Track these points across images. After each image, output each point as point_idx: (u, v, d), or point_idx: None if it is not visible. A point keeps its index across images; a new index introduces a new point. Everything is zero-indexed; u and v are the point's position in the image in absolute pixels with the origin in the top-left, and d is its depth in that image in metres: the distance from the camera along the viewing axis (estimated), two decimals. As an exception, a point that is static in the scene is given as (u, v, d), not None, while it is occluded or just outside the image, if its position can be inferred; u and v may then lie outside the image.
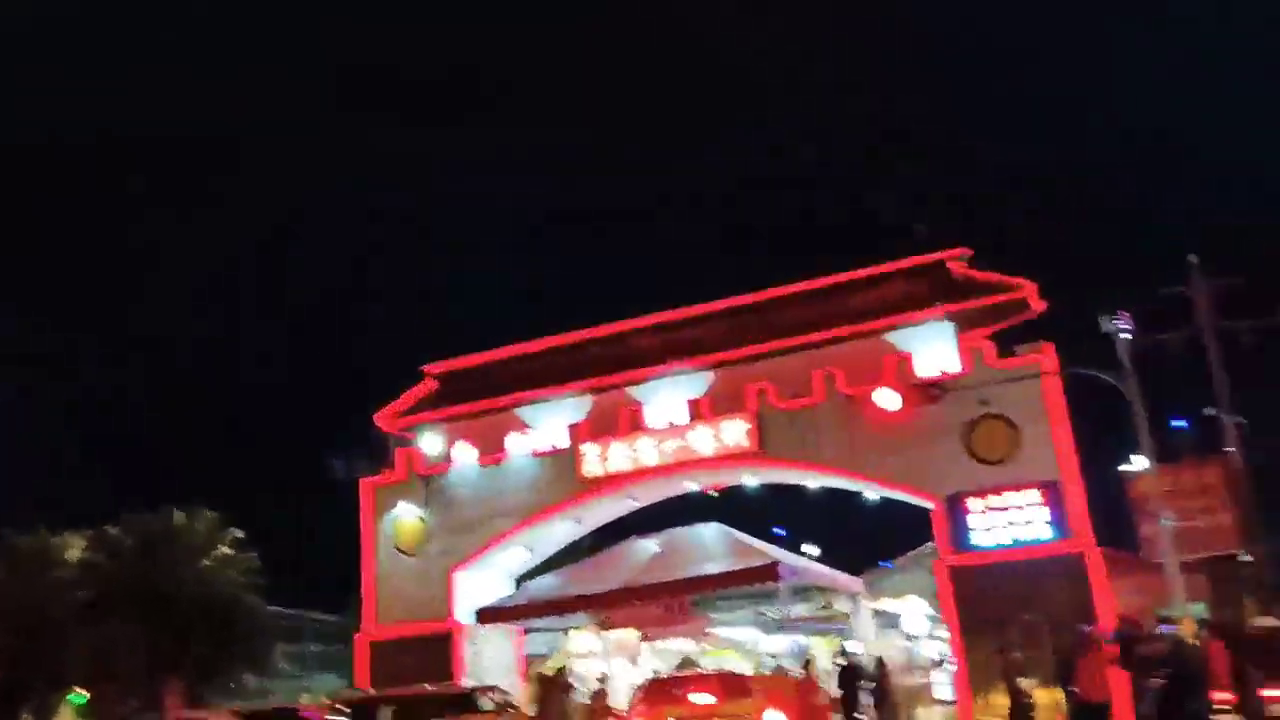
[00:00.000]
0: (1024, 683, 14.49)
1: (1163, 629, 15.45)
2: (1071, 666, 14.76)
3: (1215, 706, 12.90)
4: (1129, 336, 18.37)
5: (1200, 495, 20.24)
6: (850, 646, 23.03)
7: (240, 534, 31.34)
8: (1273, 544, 21.68)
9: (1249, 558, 19.71)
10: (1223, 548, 20.72)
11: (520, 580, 25.92)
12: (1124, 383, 17.66)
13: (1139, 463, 19.70)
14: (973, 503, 20.54)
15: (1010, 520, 20.24)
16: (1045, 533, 19.95)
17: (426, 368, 27.36)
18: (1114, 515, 21.96)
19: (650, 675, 19.27)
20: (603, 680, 21.06)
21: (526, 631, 25.20)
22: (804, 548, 30.86)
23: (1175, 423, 24.72)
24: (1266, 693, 13.21)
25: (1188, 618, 16.23)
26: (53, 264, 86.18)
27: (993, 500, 20.40)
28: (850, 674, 18.91)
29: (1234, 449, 19.64)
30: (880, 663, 18.96)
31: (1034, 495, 20.17)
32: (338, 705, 18.04)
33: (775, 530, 30.85)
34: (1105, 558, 20.49)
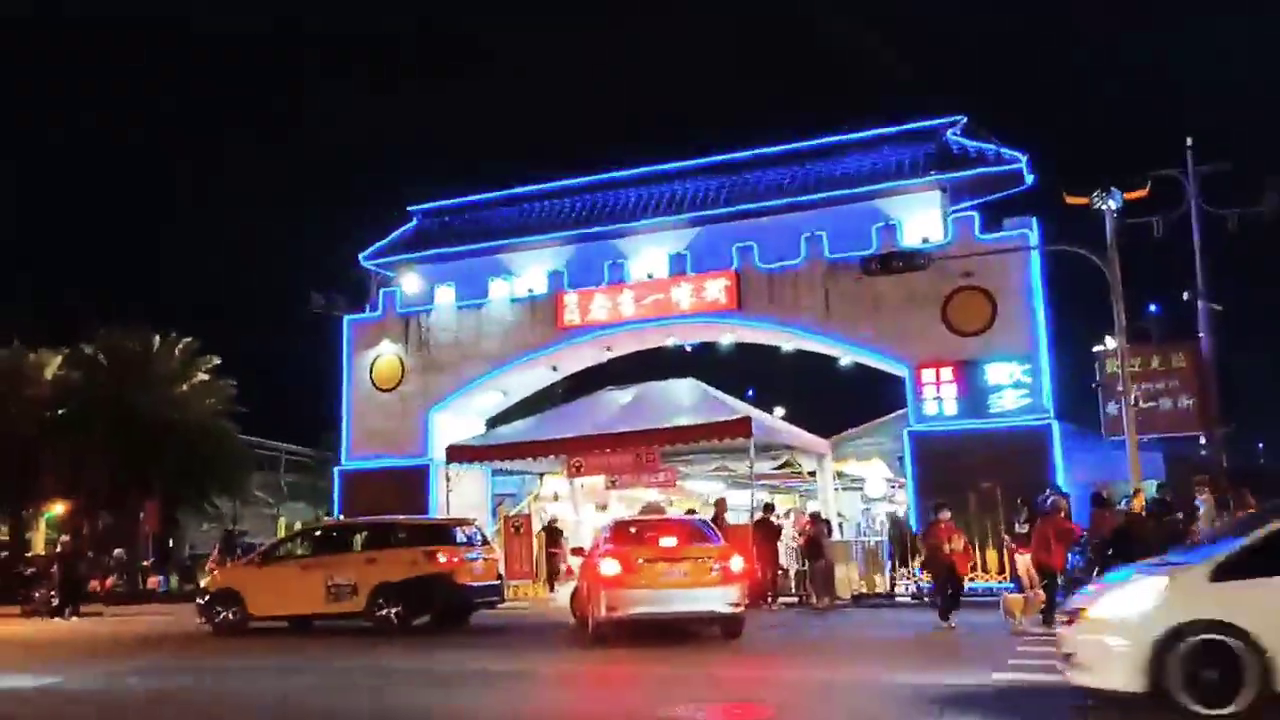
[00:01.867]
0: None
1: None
2: (1027, 531, 15.28)
3: None
4: (1117, 216, 18.27)
5: (1167, 378, 20.60)
6: (812, 506, 23.73)
7: (217, 361, 31.41)
8: (1235, 429, 22.29)
9: (1203, 440, 20.23)
10: (1183, 430, 21.22)
11: (492, 422, 26.35)
12: (1107, 262, 17.65)
13: (1111, 343, 19.93)
14: (944, 372, 20.87)
15: (979, 391, 20.62)
16: (1011, 405, 20.37)
17: (412, 207, 27.06)
18: (1082, 392, 22.43)
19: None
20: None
21: (497, 473, 25.75)
22: (775, 409, 31.44)
23: (1151, 307, 25.07)
24: None
25: (1139, 494, 16.75)
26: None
27: (963, 370, 20.71)
28: (768, 528, 19.64)
29: (1205, 335, 19.83)
30: (815, 519, 19.62)
31: (1004, 368, 20.52)
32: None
33: (747, 391, 31.33)
34: (1068, 433, 21.06)
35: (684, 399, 22.65)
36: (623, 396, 23.57)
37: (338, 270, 28.52)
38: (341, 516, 23.61)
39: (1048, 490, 16.41)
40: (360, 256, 26.43)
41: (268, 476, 39.52)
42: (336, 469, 25.81)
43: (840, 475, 24.84)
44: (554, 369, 26.04)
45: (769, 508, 21.04)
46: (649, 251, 24.10)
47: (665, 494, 25.76)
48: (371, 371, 25.65)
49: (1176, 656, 6.92)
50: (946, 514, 16.34)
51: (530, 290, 24.70)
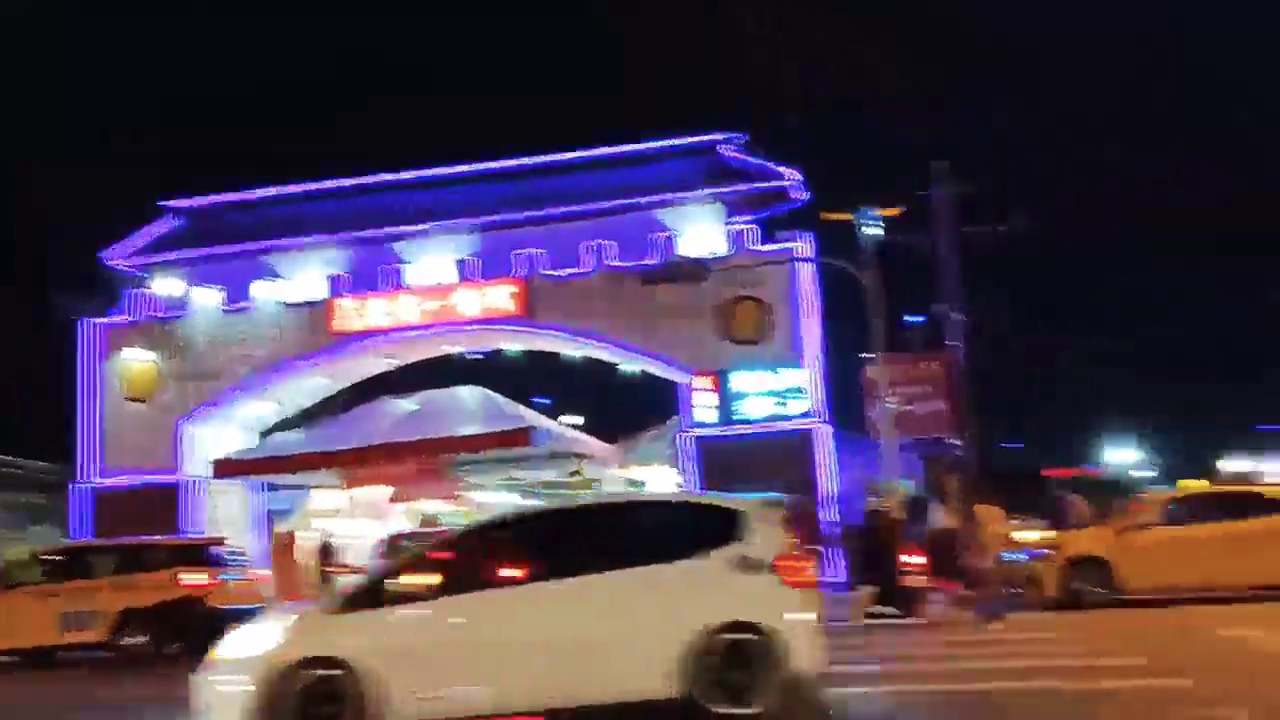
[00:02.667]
0: None
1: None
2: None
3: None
4: (876, 232, 19.38)
5: (922, 384, 22.02)
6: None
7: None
8: (984, 430, 24.08)
9: (957, 442, 21.71)
10: (936, 432, 22.73)
11: (265, 434, 24.90)
12: (864, 274, 18.65)
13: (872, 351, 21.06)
14: (721, 378, 21.49)
15: (754, 397, 21.36)
16: (784, 410, 21.22)
17: (166, 203, 25.17)
18: (852, 397, 23.61)
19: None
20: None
21: (272, 488, 24.35)
22: (564, 417, 31.41)
23: (912, 318, 26.74)
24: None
25: (896, 491, 17.78)
26: None
27: (739, 377, 21.41)
28: None
29: (956, 344, 21.28)
30: None
31: (778, 375, 21.34)
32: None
33: (538, 399, 31.17)
34: (837, 436, 22.16)
35: (469, 407, 22.23)
36: (405, 405, 22.87)
37: (86, 269, 26.10)
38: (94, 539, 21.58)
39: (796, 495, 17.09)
40: (105, 254, 24.32)
41: (8, 497, 35.69)
42: (75, 487, 23.55)
43: (629, 482, 25.06)
44: (331, 377, 24.91)
45: None
46: (434, 257, 23.49)
47: (453, 504, 25.21)
48: (122, 380, 23.64)
49: (290, 693, 6.84)
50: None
51: (303, 294, 23.50)
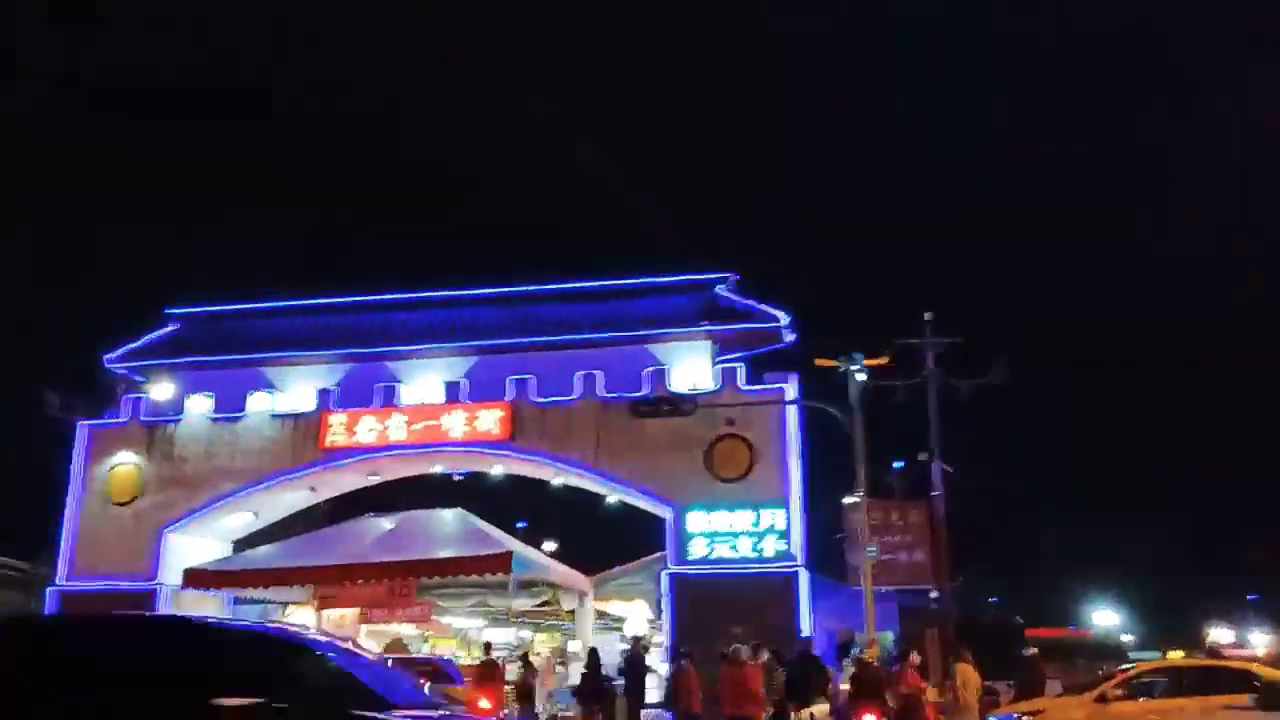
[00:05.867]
0: None
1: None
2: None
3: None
4: (862, 378, 19.66)
5: (904, 532, 21.92)
6: (572, 645, 23.34)
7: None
8: (964, 581, 23.91)
9: (935, 594, 21.52)
10: (917, 583, 22.50)
11: (240, 545, 24.64)
12: (849, 419, 18.87)
13: (855, 496, 21.10)
14: (703, 516, 21.41)
15: (735, 536, 21.25)
16: (764, 551, 21.08)
17: (170, 310, 25.64)
18: (831, 541, 23.47)
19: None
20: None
21: (241, 601, 23.93)
22: (545, 543, 31.08)
23: (897, 464, 26.88)
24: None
25: (874, 643, 17.55)
26: None
27: (721, 515, 21.34)
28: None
29: (939, 493, 21.33)
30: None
31: (760, 515, 21.28)
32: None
33: (518, 524, 30.97)
34: (815, 581, 21.91)
35: (448, 529, 22.11)
36: (384, 524, 22.75)
37: (80, 370, 26.34)
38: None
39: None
40: (105, 358, 24.62)
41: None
42: (49, 589, 23.19)
43: (602, 615, 24.66)
44: (313, 490, 24.82)
45: (488, 647, 20.42)
46: (424, 377, 23.78)
47: (422, 629, 24.71)
48: (107, 483, 23.57)
49: None
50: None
51: (294, 407, 23.67)
